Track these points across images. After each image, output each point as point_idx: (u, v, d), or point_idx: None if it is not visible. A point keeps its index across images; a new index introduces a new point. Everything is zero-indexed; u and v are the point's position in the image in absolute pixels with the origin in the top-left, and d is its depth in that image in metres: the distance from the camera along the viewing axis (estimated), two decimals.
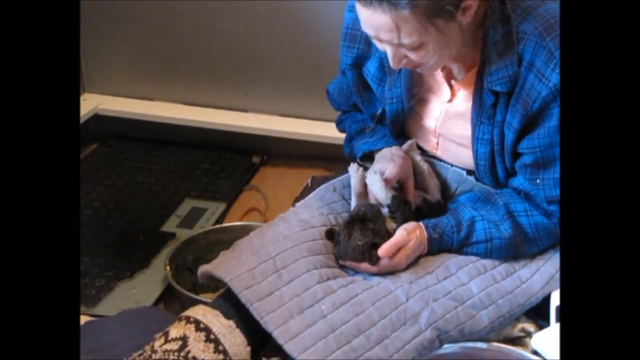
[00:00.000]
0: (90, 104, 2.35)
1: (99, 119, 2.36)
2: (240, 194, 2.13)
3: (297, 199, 1.51)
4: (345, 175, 1.41)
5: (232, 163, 2.28)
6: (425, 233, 1.25)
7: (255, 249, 1.22)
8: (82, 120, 2.26)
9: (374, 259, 1.21)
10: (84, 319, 1.50)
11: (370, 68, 1.32)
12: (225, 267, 1.19)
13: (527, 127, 1.19)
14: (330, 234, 1.26)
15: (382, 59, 1.28)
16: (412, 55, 1.13)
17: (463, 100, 1.26)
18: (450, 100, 1.28)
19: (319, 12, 2.10)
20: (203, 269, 1.22)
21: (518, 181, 1.26)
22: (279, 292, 1.14)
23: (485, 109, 1.21)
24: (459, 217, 1.26)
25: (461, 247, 1.26)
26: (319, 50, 2.13)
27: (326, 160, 2.19)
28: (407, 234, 1.23)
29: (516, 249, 1.25)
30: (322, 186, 1.41)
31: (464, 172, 1.34)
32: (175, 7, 2.21)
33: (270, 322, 1.10)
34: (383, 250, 1.20)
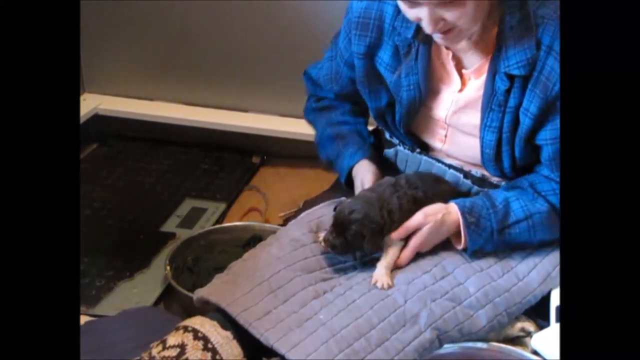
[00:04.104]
0: (90, 104, 2.35)
1: (99, 119, 2.36)
2: (240, 194, 2.13)
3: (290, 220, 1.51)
4: (337, 200, 1.38)
5: (232, 163, 2.28)
6: (457, 216, 1.22)
7: (249, 272, 1.22)
8: (82, 120, 2.27)
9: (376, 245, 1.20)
10: (84, 319, 1.50)
11: (384, 56, 1.31)
12: (220, 292, 1.18)
13: (546, 113, 1.18)
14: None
15: (398, 46, 1.27)
16: (449, 15, 1.12)
17: (474, 89, 1.26)
18: (460, 90, 1.27)
19: (319, 12, 2.10)
20: (199, 294, 1.21)
21: (545, 171, 1.25)
22: (276, 311, 1.14)
23: (497, 95, 1.21)
24: (492, 198, 1.24)
25: (502, 228, 1.22)
26: (319, 51, 2.12)
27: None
28: (424, 217, 1.22)
29: (556, 224, 1.23)
30: (315, 207, 1.41)
31: (461, 176, 1.34)
32: (175, 7, 2.21)
33: (270, 336, 1.10)
34: (395, 234, 1.21)
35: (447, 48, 1.25)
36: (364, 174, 1.35)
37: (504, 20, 1.17)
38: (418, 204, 1.25)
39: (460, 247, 1.25)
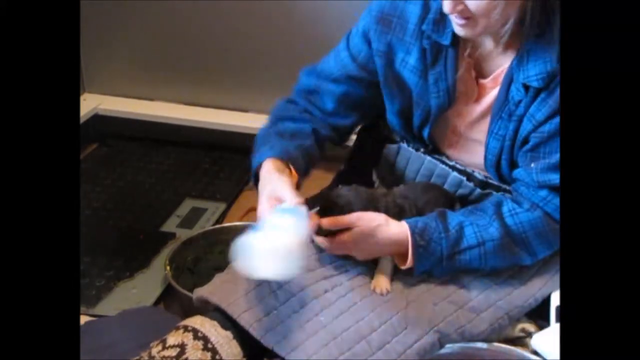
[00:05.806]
0: (90, 104, 2.36)
1: (99, 119, 2.36)
2: (240, 194, 2.13)
3: None
4: None
5: (232, 163, 2.28)
6: (401, 233, 1.17)
7: None
8: (82, 120, 2.27)
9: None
10: (84, 319, 1.50)
11: (409, 59, 1.26)
12: (220, 292, 1.18)
13: (548, 119, 1.17)
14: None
15: (425, 50, 1.24)
16: (472, 4, 1.09)
17: (490, 99, 1.24)
18: (476, 100, 1.26)
19: (318, 12, 2.10)
20: (198, 293, 1.20)
21: (520, 173, 1.24)
22: (277, 312, 1.14)
23: (509, 105, 1.20)
24: (446, 222, 1.20)
25: (452, 254, 1.19)
26: (318, 50, 2.12)
27: (326, 160, 2.18)
28: (357, 219, 1.15)
29: (509, 251, 1.21)
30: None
31: (464, 178, 1.33)
32: (175, 7, 2.21)
33: (270, 338, 1.10)
34: (325, 220, 1.15)
35: (469, 56, 1.23)
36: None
37: (526, 32, 1.14)
38: (403, 214, 1.22)
39: (404, 267, 1.19)
